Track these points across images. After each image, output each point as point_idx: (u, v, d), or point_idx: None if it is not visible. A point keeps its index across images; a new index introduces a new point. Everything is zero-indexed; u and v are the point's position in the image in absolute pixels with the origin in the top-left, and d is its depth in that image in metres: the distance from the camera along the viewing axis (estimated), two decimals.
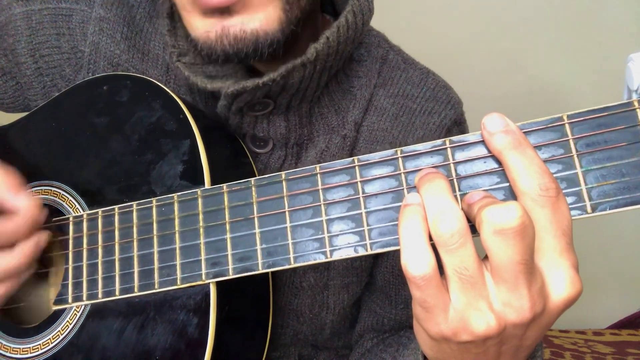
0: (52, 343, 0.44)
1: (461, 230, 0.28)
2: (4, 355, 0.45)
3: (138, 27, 0.52)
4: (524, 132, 0.32)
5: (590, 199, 0.30)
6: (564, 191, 0.31)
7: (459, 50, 1.20)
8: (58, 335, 0.43)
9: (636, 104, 0.31)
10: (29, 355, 0.44)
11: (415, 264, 0.28)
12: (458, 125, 0.54)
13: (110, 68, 0.52)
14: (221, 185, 0.40)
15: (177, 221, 0.40)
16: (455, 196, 0.33)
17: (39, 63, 0.53)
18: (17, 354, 0.45)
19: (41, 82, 0.54)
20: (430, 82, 0.54)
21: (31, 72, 0.54)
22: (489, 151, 0.33)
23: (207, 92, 0.49)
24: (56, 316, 0.44)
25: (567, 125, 0.32)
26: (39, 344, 0.44)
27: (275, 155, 0.50)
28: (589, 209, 0.31)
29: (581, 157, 0.31)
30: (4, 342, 0.46)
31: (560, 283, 0.29)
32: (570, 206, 0.31)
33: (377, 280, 0.55)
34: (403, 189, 0.35)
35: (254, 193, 0.38)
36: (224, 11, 0.39)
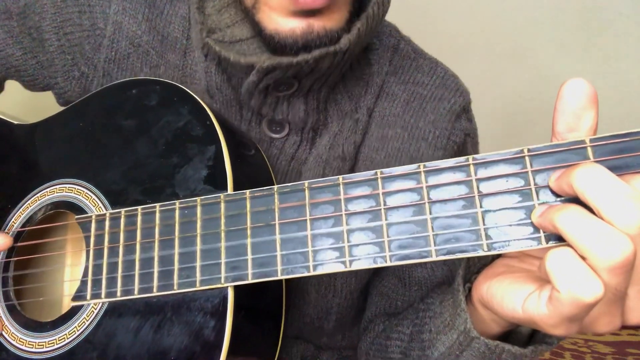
0: (67, 339, 0.44)
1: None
2: (20, 349, 0.46)
3: (158, 9, 0.54)
4: (543, 153, 0.33)
5: None
6: None
7: (465, 49, 1.21)
8: (74, 331, 0.44)
9: None
10: (45, 349, 0.45)
11: (592, 288, 0.28)
12: (466, 112, 0.56)
13: (131, 48, 0.54)
14: (244, 191, 0.41)
15: (199, 224, 0.41)
16: (477, 213, 0.34)
17: (62, 40, 0.55)
18: (32, 347, 0.45)
19: (63, 59, 0.56)
20: (440, 71, 0.56)
21: (54, 49, 0.56)
22: (512, 169, 0.33)
23: (219, 71, 0.51)
24: (73, 312, 0.45)
25: (589, 148, 0.32)
26: (55, 339, 0.45)
27: (291, 140, 0.52)
28: None
29: None
30: (20, 336, 0.46)
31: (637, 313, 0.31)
32: None
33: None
34: (425, 203, 0.35)
35: (276, 200, 0.39)
36: (311, 12, 0.43)
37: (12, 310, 0.48)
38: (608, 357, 1.16)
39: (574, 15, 1.19)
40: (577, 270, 0.28)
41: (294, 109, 0.50)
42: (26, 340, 0.46)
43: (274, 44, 0.45)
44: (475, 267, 0.40)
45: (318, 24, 0.43)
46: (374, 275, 0.58)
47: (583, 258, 0.28)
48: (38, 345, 0.45)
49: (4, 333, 0.47)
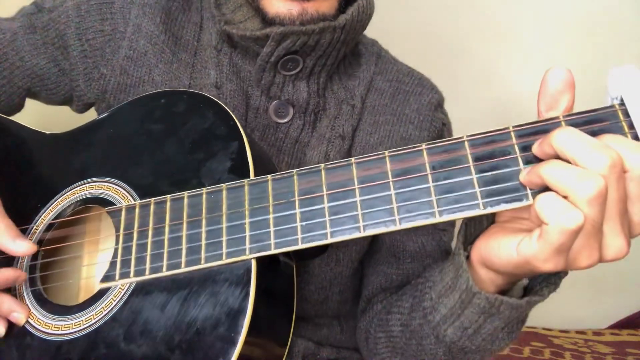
0: (94, 319, 0.47)
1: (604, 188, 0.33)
2: (45, 332, 0.48)
3: (173, 15, 0.63)
4: (525, 128, 0.39)
5: None
6: None
7: (453, 53, 1.25)
8: (101, 311, 0.47)
9: (617, 107, 0.38)
10: (71, 330, 0.47)
11: (573, 217, 0.33)
12: (441, 107, 0.67)
13: (149, 46, 0.61)
14: (266, 175, 0.46)
15: (224, 205, 0.46)
16: (473, 179, 0.40)
17: (84, 46, 0.62)
18: (58, 330, 0.48)
19: (84, 63, 0.63)
20: (416, 74, 0.68)
21: (77, 54, 0.63)
22: (500, 142, 0.40)
23: (231, 64, 0.60)
24: (100, 295, 0.48)
25: (562, 123, 0.39)
26: (81, 320, 0.47)
27: (295, 124, 0.60)
28: None
29: None
30: (46, 320, 0.49)
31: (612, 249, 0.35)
32: None
33: (385, 241, 0.63)
34: (427, 175, 0.41)
35: (295, 181, 0.44)
36: None
37: (38, 296, 0.50)
38: (608, 357, 1.16)
39: (570, 17, 1.25)
40: (561, 205, 0.33)
41: (298, 90, 0.59)
42: (52, 324, 0.48)
43: (276, 23, 0.54)
44: (472, 236, 0.45)
45: (312, 8, 0.54)
46: (369, 255, 0.63)
47: (565, 198, 0.34)
48: (64, 327, 0.48)
49: (29, 319, 0.49)
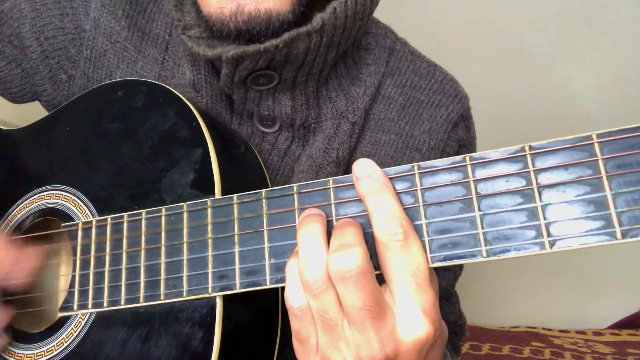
0: (55, 350, 0.43)
1: (324, 277, 0.31)
2: None
3: (141, 6, 0.52)
4: (546, 151, 0.30)
5: (620, 224, 0.28)
6: (591, 215, 0.29)
7: (465, 50, 1.19)
8: (62, 342, 0.43)
9: None
10: None
11: (294, 297, 0.32)
12: (464, 120, 0.54)
13: (108, 44, 0.52)
14: (231, 196, 0.39)
15: (185, 231, 0.39)
16: (475, 217, 0.32)
17: (44, 46, 0.53)
18: (21, 359, 0.44)
19: (47, 65, 0.54)
20: (438, 75, 0.54)
21: (37, 56, 0.53)
22: (512, 169, 0.31)
23: (209, 65, 0.49)
24: (61, 323, 0.43)
25: (596, 145, 0.30)
26: (43, 351, 0.43)
27: (283, 136, 0.50)
28: (618, 235, 0.29)
29: (611, 178, 0.29)
30: (9, 348, 0.45)
31: (408, 324, 0.30)
32: (598, 231, 0.29)
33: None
34: (419, 206, 0.33)
35: (264, 205, 0.37)
36: None
37: None
38: (608, 357, 1.14)
39: (574, 16, 1.18)
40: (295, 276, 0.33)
41: (279, 104, 0.48)
42: (15, 352, 0.45)
43: (214, 30, 0.43)
44: None
45: (249, 4, 0.41)
46: None
47: None
48: (27, 357, 0.44)
49: None
